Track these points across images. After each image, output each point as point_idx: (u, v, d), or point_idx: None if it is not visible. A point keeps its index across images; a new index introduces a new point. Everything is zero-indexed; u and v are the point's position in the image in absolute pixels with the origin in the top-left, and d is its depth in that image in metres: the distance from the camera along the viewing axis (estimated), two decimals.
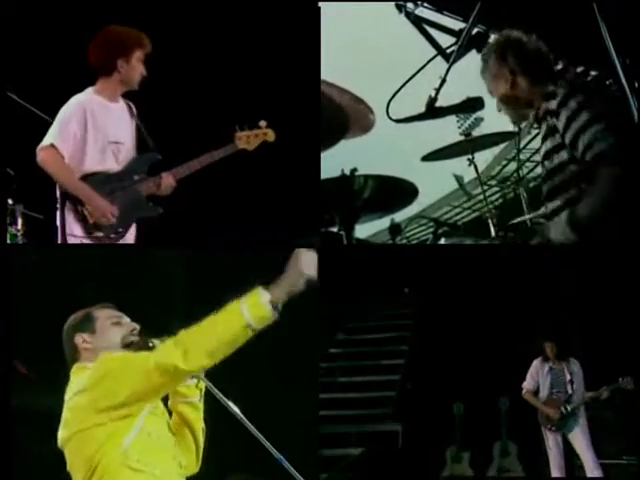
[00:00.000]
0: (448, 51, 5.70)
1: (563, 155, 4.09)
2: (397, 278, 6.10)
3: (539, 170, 4.37)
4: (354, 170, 4.34)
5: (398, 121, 4.69)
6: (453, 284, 5.99)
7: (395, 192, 4.67)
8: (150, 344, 3.05)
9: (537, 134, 4.45)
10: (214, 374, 3.07)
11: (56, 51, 6.62)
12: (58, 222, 4.84)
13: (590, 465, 4.77)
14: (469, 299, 5.85)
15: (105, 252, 5.06)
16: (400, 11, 6.17)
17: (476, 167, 6.68)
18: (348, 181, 4.35)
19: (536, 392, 5.05)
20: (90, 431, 2.83)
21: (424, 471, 5.01)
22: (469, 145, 6.44)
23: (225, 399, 3.03)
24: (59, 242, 4.86)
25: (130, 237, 5.02)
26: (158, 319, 3.12)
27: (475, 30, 5.12)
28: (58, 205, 4.84)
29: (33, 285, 5.07)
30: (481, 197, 6.73)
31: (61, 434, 2.93)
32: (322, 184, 4.46)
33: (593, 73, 5.91)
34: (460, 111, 4.85)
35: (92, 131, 4.87)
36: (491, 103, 4.71)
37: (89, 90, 4.99)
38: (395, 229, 5.44)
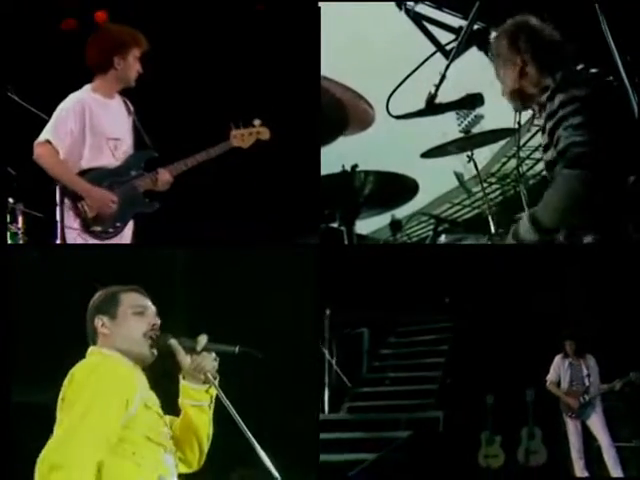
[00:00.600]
0: (448, 48, 5.67)
1: (550, 153, 4.05)
2: (439, 289, 6.93)
3: (539, 167, 4.35)
4: (355, 166, 4.33)
5: (398, 117, 4.67)
6: (486, 290, 6.64)
7: (396, 188, 4.66)
8: (168, 342, 3.02)
9: (537, 131, 4.42)
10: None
11: (56, 50, 6.61)
12: (57, 217, 4.83)
13: (606, 445, 5.32)
14: (498, 304, 6.48)
15: (105, 252, 5.01)
16: (400, 8, 6.15)
17: (476, 164, 6.65)
18: (349, 177, 4.34)
19: (558, 384, 5.58)
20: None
21: (462, 451, 5.68)
22: (469, 142, 6.42)
23: (232, 408, 2.95)
24: (58, 237, 4.83)
25: (128, 233, 5.01)
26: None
27: (475, 27, 5.08)
28: (57, 201, 4.83)
29: (33, 284, 5.05)
30: (481, 194, 6.71)
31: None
32: (323, 180, 4.46)
33: (594, 70, 5.90)
34: (460, 107, 4.82)
35: (89, 128, 4.88)
36: (491, 101, 4.69)
37: (86, 87, 4.99)
38: (396, 225, 5.45)
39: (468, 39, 4.78)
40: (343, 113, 4.37)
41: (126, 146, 5.05)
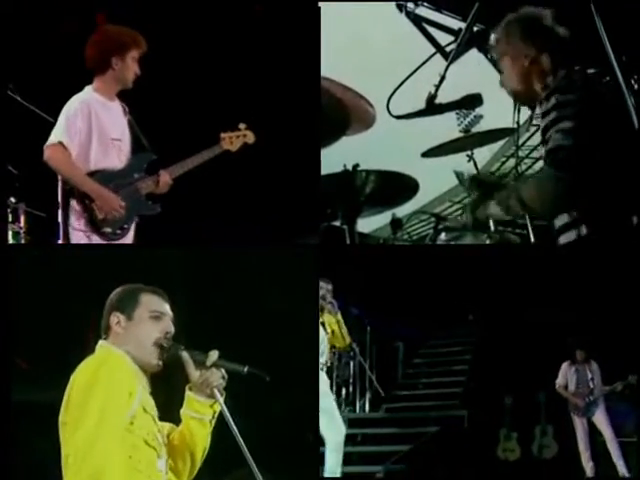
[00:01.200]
0: (447, 49, 5.68)
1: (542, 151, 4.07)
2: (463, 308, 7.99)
3: (537, 166, 4.36)
4: (356, 165, 4.33)
5: (399, 117, 4.69)
6: (502, 307, 7.55)
7: (396, 187, 4.66)
8: (180, 353, 2.98)
9: (535, 131, 4.42)
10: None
11: (56, 50, 6.54)
12: (60, 218, 4.76)
13: (609, 438, 5.88)
14: (513, 319, 7.37)
15: (105, 252, 4.94)
16: (401, 10, 6.16)
17: (475, 163, 6.66)
18: (350, 176, 4.34)
19: (565, 387, 6.13)
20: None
21: (483, 445, 6.36)
22: (469, 142, 6.43)
23: (234, 427, 2.92)
24: (61, 237, 4.77)
25: (130, 234, 4.96)
26: None
27: (474, 29, 5.09)
28: (60, 201, 4.76)
29: (33, 283, 4.92)
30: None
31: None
32: (325, 179, 4.45)
33: (591, 71, 5.90)
34: (459, 107, 4.83)
35: (96, 128, 4.82)
36: (490, 101, 4.70)
37: (88, 89, 4.94)
38: (396, 224, 5.45)
39: (468, 41, 4.79)
40: (345, 113, 4.36)
41: (126, 147, 5.01)
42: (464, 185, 6.99)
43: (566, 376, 6.11)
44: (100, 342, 3.00)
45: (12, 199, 6.11)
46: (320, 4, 5.73)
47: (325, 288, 5.43)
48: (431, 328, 8.00)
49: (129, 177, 4.94)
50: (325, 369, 5.38)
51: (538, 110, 4.06)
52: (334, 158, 4.65)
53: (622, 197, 3.84)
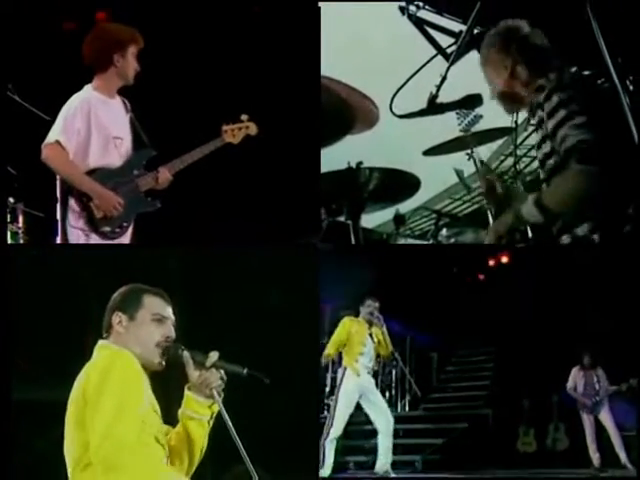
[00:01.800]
0: (448, 51, 5.70)
1: (548, 146, 4.08)
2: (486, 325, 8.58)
3: (535, 165, 4.39)
4: (360, 163, 4.35)
5: (401, 116, 4.71)
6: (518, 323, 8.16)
7: (399, 184, 4.68)
8: (180, 353, 2.94)
9: (533, 130, 4.44)
10: None
11: (55, 50, 6.43)
12: (59, 216, 4.69)
13: (612, 433, 6.41)
14: (528, 332, 8.01)
15: (104, 252, 4.86)
16: (403, 13, 6.16)
17: (475, 162, 6.69)
18: (354, 173, 4.36)
19: (575, 389, 6.62)
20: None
21: (504, 439, 7.24)
22: (469, 140, 6.45)
23: (232, 427, 2.89)
24: (59, 237, 4.69)
25: (129, 232, 4.89)
26: None
27: (475, 31, 5.10)
28: (59, 200, 4.70)
29: (32, 283, 4.85)
30: (480, 190, 6.73)
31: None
32: (330, 176, 4.46)
33: (587, 72, 5.91)
34: (460, 107, 4.85)
35: (95, 127, 4.74)
36: (489, 102, 4.72)
37: (88, 87, 4.85)
38: (399, 220, 5.46)
39: (468, 43, 4.80)
40: (349, 113, 4.38)
41: (127, 145, 4.92)
42: (464, 183, 7.04)
43: (575, 380, 6.64)
44: (100, 341, 2.95)
45: (11, 199, 6.00)
46: (322, 6, 5.75)
47: (373, 305, 6.00)
48: (459, 341, 8.90)
49: (128, 174, 4.86)
50: (372, 372, 6.01)
51: (541, 112, 4.09)
52: (339, 156, 4.67)
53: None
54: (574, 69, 5.55)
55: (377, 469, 5.67)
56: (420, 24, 6.12)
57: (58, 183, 4.71)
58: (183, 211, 5.90)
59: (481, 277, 9.29)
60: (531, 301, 7.99)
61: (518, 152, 5.27)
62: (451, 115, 5.36)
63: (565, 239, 4.01)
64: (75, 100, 4.77)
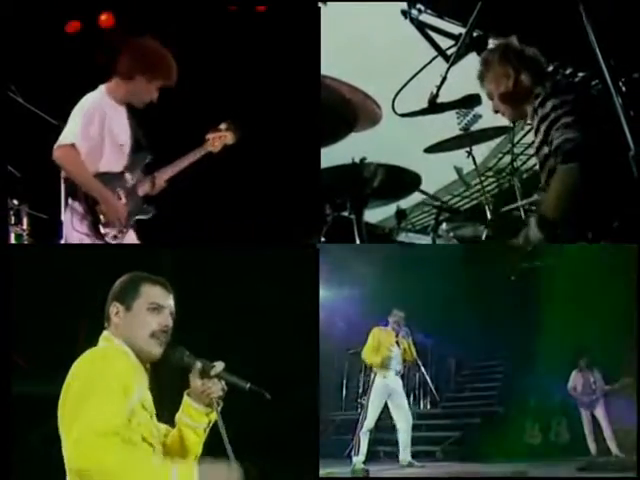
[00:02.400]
0: (448, 52, 5.74)
1: (545, 150, 4.12)
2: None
3: (531, 162, 4.42)
4: (363, 159, 4.37)
5: (403, 115, 4.74)
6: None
7: (400, 180, 4.69)
8: (184, 358, 2.87)
9: (530, 129, 4.49)
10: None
11: (58, 52, 6.39)
12: (65, 218, 4.63)
13: (605, 427, 6.71)
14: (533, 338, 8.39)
15: (104, 252, 4.77)
16: (405, 17, 6.20)
17: (474, 159, 6.73)
18: (358, 169, 4.37)
19: (575, 389, 6.98)
20: None
21: (513, 433, 7.54)
22: (468, 139, 6.50)
23: (226, 438, 2.75)
24: (64, 238, 4.64)
25: (131, 234, 4.87)
26: None
27: (474, 34, 5.14)
28: (65, 201, 4.64)
29: (33, 283, 4.72)
30: (479, 187, 6.77)
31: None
32: (334, 171, 4.45)
33: (581, 74, 5.94)
34: (459, 106, 4.88)
35: (107, 133, 4.70)
36: (487, 101, 4.76)
37: (102, 89, 4.78)
38: (401, 214, 5.48)
39: (467, 45, 4.84)
40: (353, 112, 4.37)
41: (127, 151, 4.88)
42: (463, 180, 7.09)
43: (575, 381, 7.00)
44: (104, 332, 2.86)
45: (15, 201, 5.92)
46: (329, 10, 5.77)
47: (398, 315, 6.51)
48: (474, 348, 9.42)
49: (127, 180, 4.82)
50: (399, 375, 6.55)
51: (537, 118, 4.14)
52: (343, 152, 4.68)
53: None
54: (568, 74, 5.61)
55: (401, 460, 6.25)
56: (422, 27, 6.17)
57: (62, 185, 4.68)
58: (183, 212, 5.83)
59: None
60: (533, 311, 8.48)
61: (515, 150, 5.30)
62: (451, 114, 5.40)
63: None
64: (88, 102, 4.69)
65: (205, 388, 2.87)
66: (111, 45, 5.19)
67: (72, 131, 4.57)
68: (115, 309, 2.85)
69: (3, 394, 4.24)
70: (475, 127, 6.82)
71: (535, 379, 7.83)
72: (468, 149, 6.60)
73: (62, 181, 4.70)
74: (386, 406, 6.36)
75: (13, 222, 5.85)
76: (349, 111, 4.36)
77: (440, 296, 8.74)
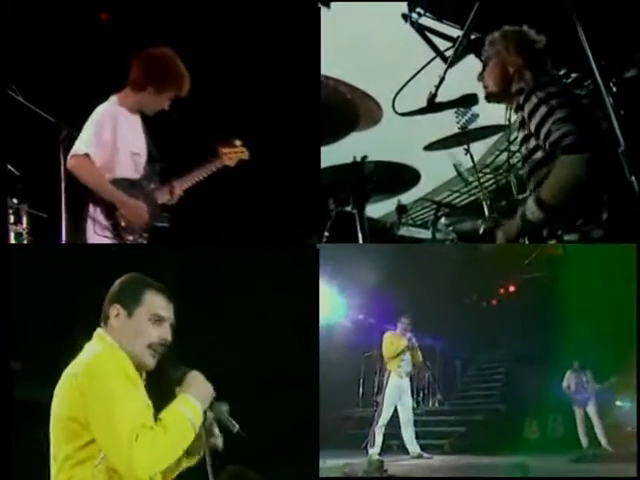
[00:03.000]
0: (446, 54, 5.76)
1: (531, 143, 4.15)
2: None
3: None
4: (364, 157, 4.39)
5: (403, 114, 4.77)
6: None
7: (401, 177, 4.72)
8: (178, 374, 2.73)
9: (520, 127, 4.50)
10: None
11: (58, 50, 6.28)
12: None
13: (596, 422, 7.06)
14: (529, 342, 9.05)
15: (104, 252, 4.72)
16: (406, 21, 6.25)
17: (472, 156, 6.76)
18: (359, 167, 4.40)
19: (569, 388, 7.35)
20: None
21: (513, 428, 7.91)
22: (466, 137, 6.54)
23: (209, 461, 2.72)
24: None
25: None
26: None
27: (471, 36, 5.17)
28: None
29: (33, 283, 4.61)
30: (477, 183, 6.81)
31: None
32: (337, 169, 4.47)
33: (574, 75, 5.97)
34: (457, 105, 4.92)
35: (120, 141, 4.68)
36: (485, 101, 4.79)
37: (113, 99, 4.77)
38: (401, 210, 5.52)
39: (465, 47, 4.86)
40: (355, 111, 4.41)
41: (142, 161, 4.86)
42: (462, 176, 7.12)
43: (569, 380, 7.35)
44: (98, 330, 2.78)
45: (14, 200, 5.83)
46: (331, 13, 5.77)
47: (406, 322, 7.02)
48: (478, 351, 10.05)
49: (146, 187, 4.80)
50: (410, 376, 7.06)
51: (522, 113, 4.16)
52: (345, 151, 4.70)
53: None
54: (562, 75, 5.63)
55: (410, 452, 6.72)
56: (421, 30, 6.20)
57: (63, 188, 4.68)
58: (183, 212, 5.72)
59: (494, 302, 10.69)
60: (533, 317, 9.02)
61: (512, 148, 5.33)
62: (449, 113, 5.43)
63: (570, 237, 4.07)
64: (102, 112, 4.69)
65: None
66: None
67: (84, 141, 4.57)
68: (115, 311, 2.75)
69: (3, 395, 4.18)
70: (473, 125, 6.85)
71: (533, 379, 8.24)
72: (466, 147, 6.63)
73: (62, 180, 4.71)
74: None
75: (13, 221, 5.75)
76: (351, 111, 4.40)
77: (446, 300, 9.31)
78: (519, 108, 4.22)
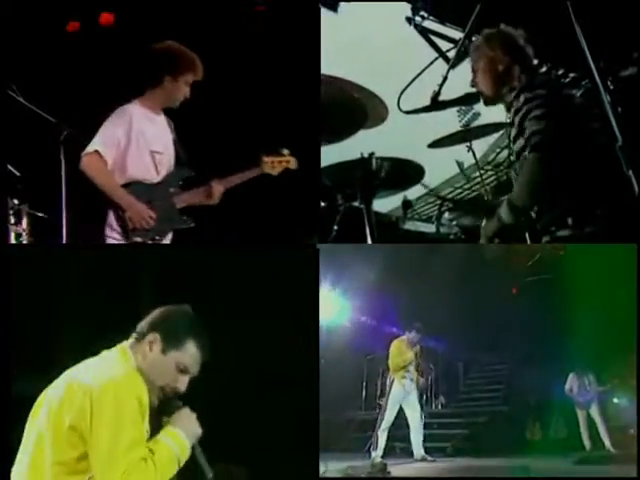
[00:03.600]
0: (449, 55, 5.79)
1: (520, 142, 4.17)
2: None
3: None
4: (372, 154, 4.41)
5: (408, 112, 4.82)
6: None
7: (406, 173, 4.74)
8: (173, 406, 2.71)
9: (509, 127, 4.52)
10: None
11: (59, 51, 6.20)
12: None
13: (599, 424, 6.93)
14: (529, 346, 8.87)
15: (103, 252, 4.67)
16: (410, 24, 6.28)
17: (474, 154, 6.81)
18: (367, 163, 4.43)
19: (571, 390, 7.18)
20: None
21: (516, 430, 7.78)
22: (469, 135, 6.58)
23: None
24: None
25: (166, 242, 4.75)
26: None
27: (472, 38, 5.20)
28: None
29: (33, 283, 4.52)
30: (479, 179, 6.83)
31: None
32: (345, 165, 4.47)
33: (572, 75, 5.98)
34: (460, 104, 4.94)
35: (135, 138, 4.59)
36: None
37: (135, 101, 4.71)
38: (407, 205, 5.53)
39: (466, 48, 4.89)
40: (362, 110, 4.43)
41: (167, 161, 4.78)
42: (464, 173, 7.16)
43: (571, 383, 7.21)
44: (125, 344, 2.75)
45: (15, 200, 5.77)
46: (339, 15, 5.79)
47: (414, 331, 6.72)
48: (481, 353, 9.87)
49: (164, 191, 4.72)
50: (413, 380, 6.81)
51: (512, 111, 4.20)
52: (353, 147, 4.72)
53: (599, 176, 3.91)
54: (545, 69, 5.63)
55: (415, 455, 6.55)
56: (425, 32, 6.24)
57: (63, 189, 4.64)
58: (184, 213, 5.69)
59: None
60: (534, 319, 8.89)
61: (512, 145, 5.36)
62: (452, 112, 5.45)
63: (563, 233, 4.04)
64: (118, 113, 4.64)
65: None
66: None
67: (97, 139, 4.53)
68: (153, 339, 2.70)
69: (3, 395, 4.11)
70: (475, 124, 6.89)
71: (536, 382, 8.09)
72: (469, 144, 6.67)
73: (62, 180, 4.68)
74: (401, 407, 6.63)
75: (13, 221, 5.70)
76: (358, 109, 4.43)
77: (449, 302, 9.12)
78: (510, 107, 4.24)
